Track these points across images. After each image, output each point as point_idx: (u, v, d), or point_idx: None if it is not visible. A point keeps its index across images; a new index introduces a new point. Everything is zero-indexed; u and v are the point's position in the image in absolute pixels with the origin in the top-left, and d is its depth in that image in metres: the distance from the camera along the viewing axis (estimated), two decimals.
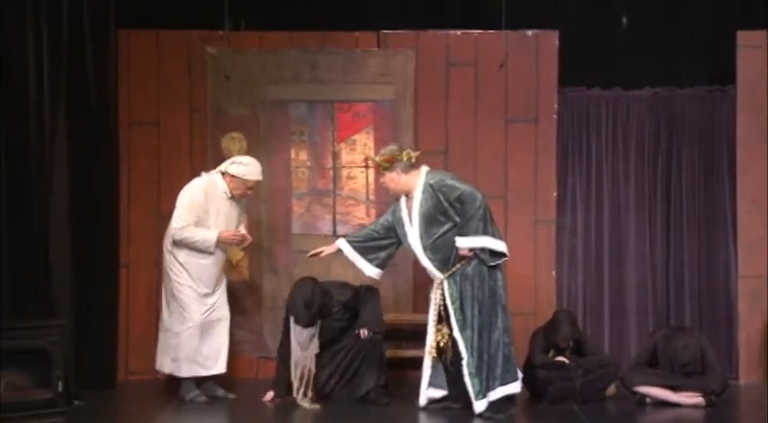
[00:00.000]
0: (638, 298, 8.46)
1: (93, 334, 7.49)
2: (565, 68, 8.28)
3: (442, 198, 6.75)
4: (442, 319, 6.81)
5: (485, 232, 6.68)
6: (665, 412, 7.00)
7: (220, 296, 7.26)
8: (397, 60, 8.25)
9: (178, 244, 7.06)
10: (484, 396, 6.66)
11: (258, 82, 8.21)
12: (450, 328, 6.75)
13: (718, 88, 8.43)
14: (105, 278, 7.65)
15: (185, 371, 7.11)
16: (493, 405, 6.68)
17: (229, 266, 8.10)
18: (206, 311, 7.15)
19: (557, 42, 8.24)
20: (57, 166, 7.18)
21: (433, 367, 6.91)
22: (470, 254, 6.70)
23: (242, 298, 8.16)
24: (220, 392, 7.24)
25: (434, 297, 6.86)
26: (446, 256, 6.76)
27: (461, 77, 8.26)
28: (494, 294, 6.73)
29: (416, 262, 8.07)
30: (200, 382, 7.20)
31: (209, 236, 7.07)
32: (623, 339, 8.42)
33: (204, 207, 7.07)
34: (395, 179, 6.91)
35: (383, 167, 6.94)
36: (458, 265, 6.74)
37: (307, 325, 6.99)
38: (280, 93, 8.23)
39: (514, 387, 6.78)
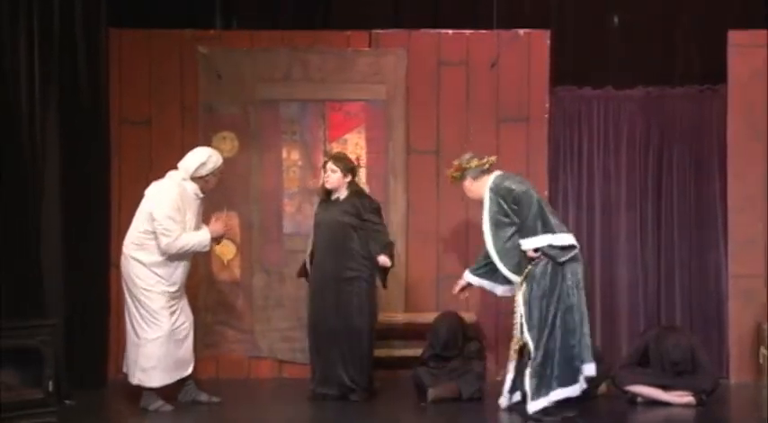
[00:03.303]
0: (629, 297, 8.48)
1: (85, 333, 7.48)
2: (556, 68, 8.30)
3: (501, 201, 6.75)
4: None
5: (545, 230, 6.64)
6: (656, 411, 7.01)
7: (184, 299, 7.06)
8: (389, 60, 8.25)
9: (171, 256, 6.86)
10: (539, 397, 6.58)
11: (249, 81, 8.20)
12: (523, 331, 6.72)
13: (710, 87, 8.45)
14: (96, 277, 7.63)
15: (156, 380, 6.84)
16: (548, 408, 6.58)
17: (221, 266, 8.12)
18: (176, 317, 6.92)
19: (548, 42, 8.25)
20: (48, 164, 7.16)
21: (516, 371, 6.85)
22: (537, 254, 6.67)
23: (233, 297, 8.15)
24: (203, 397, 7.08)
25: (516, 301, 6.82)
26: (517, 260, 6.75)
27: (453, 77, 8.26)
28: (561, 293, 6.64)
29: (408, 262, 8.14)
30: (179, 386, 7.03)
31: (202, 237, 6.96)
32: (614, 339, 8.42)
33: (183, 213, 6.91)
34: (468, 187, 6.96)
35: (455, 178, 6.99)
36: (529, 267, 6.71)
37: None
38: (271, 92, 8.22)
39: (572, 390, 6.65)
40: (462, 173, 6.94)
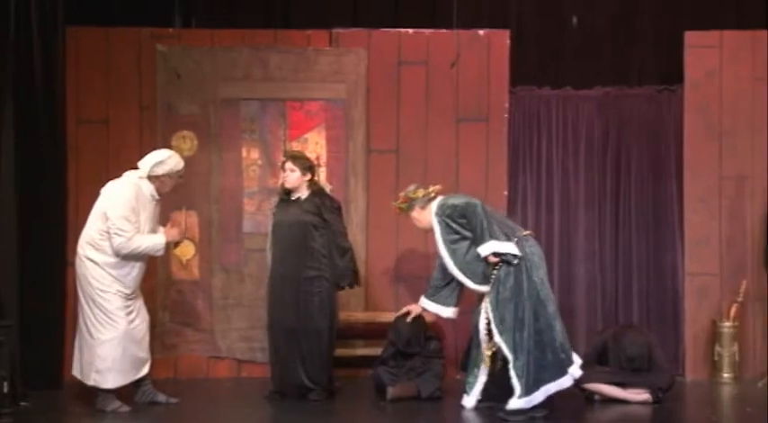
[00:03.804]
0: (587, 296, 8.55)
1: (40, 334, 7.41)
2: (516, 68, 8.34)
3: (448, 221, 6.82)
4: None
5: (490, 236, 6.71)
6: (613, 409, 7.06)
7: (140, 299, 6.99)
8: (349, 59, 8.25)
9: (125, 256, 6.79)
10: (530, 393, 6.60)
11: (209, 80, 8.17)
12: (493, 335, 6.74)
13: (667, 88, 8.52)
14: (52, 278, 7.57)
15: (111, 382, 6.76)
16: (522, 409, 6.59)
17: (179, 265, 8.09)
18: (132, 317, 6.85)
19: (508, 42, 8.28)
20: (3, 164, 7.09)
21: (489, 376, 6.90)
22: (496, 259, 6.72)
23: (192, 297, 8.12)
24: (161, 398, 7.02)
25: (483, 309, 6.83)
26: (481, 270, 6.79)
27: (413, 76, 8.28)
28: (530, 289, 6.68)
29: (368, 261, 8.16)
30: (136, 387, 6.97)
31: (156, 240, 6.88)
32: (573, 337, 8.38)
33: (137, 213, 6.84)
34: (417, 217, 7.04)
35: (402, 209, 7.07)
36: (494, 273, 6.75)
37: None
38: (231, 91, 8.20)
39: (564, 381, 6.72)
40: (410, 203, 7.03)
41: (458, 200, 6.88)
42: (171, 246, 7.13)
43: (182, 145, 8.06)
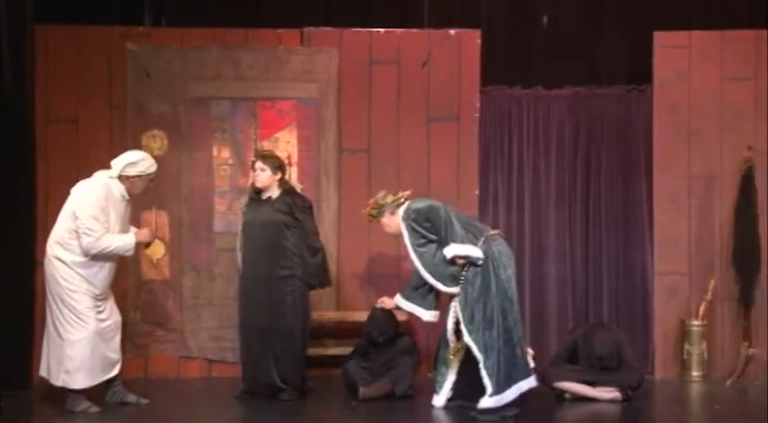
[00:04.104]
0: (557, 295, 8.58)
1: (8, 334, 7.35)
2: (487, 67, 8.36)
3: (414, 225, 6.83)
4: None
5: (452, 240, 6.73)
6: (583, 407, 7.09)
7: (111, 299, 6.96)
8: (321, 58, 8.24)
9: (95, 256, 6.74)
10: (501, 392, 6.61)
11: (179, 79, 8.14)
12: (462, 335, 6.75)
13: (636, 88, 8.56)
14: (21, 278, 7.51)
15: (80, 382, 6.71)
16: (492, 407, 6.60)
17: (150, 265, 8.05)
18: (102, 317, 6.80)
19: (479, 41, 8.30)
20: None
21: (458, 375, 6.90)
22: (462, 260, 6.74)
23: (162, 297, 8.10)
24: (132, 398, 6.99)
25: (452, 308, 6.84)
26: (449, 272, 6.79)
27: (384, 76, 8.28)
28: (498, 288, 6.69)
29: (340, 261, 8.15)
30: (106, 387, 6.93)
31: (126, 240, 6.83)
32: (543, 336, 8.51)
33: (107, 213, 6.79)
34: (387, 223, 7.05)
35: (372, 215, 7.07)
36: (463, 273, 6.77)
37: None
38: (201, 90, 8.17)
39: (532, 381, 6.75)
40: (379, 209, 7.04)
41: (421, 204, 6.90)
42: (141, 246, 7.09)
43: (152, 144, 8.03)
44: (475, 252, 6.71)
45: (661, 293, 8.24)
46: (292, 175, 8.01)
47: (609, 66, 8.69)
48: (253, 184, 7.32)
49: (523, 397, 6.74)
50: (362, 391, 7.16)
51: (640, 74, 8.46)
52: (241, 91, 8.19)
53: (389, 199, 7.04)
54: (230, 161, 8.20)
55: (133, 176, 6.87)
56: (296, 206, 7.22)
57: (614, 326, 8.08)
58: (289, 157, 8.01)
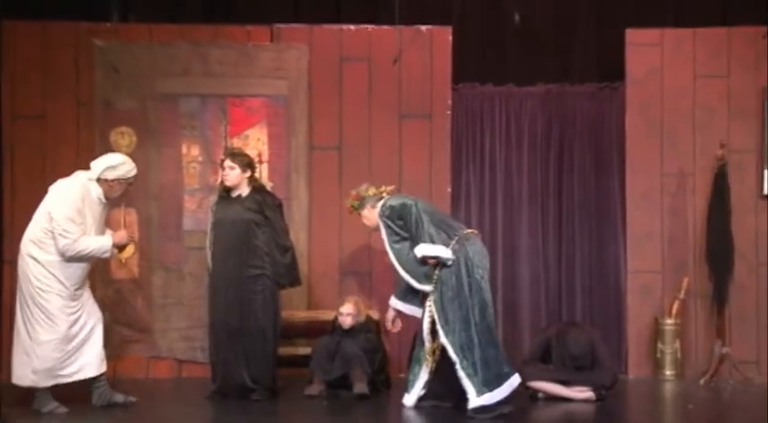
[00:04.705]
0: (531, 292, 8.56)
1: None
2: (458, 64, 8.33)
3: (389, 222, 6.79)
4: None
5: (422, 240, 6.69)
6: (557, 407, 7.05)
7: (89, 296, 6.85)
8: (291, 55, 8.18)
9: (71, 258, 6.62)
10: (486, 392, 6.54)
11: (148, 75, 8.05)
12: (438, 336, 6.68)
13: (608, 85, 8.56)
14: None
15: (46, 382, 6.63)
16: (486, 406, 6.53)
17: (118, 264, 7.95)
18: (73, 318, 6.69)
19: (450, 38, 8.26)
20: None
21: (432, 375, 6.83)
22: (433, 260, 6.69)
23: (131, 296, 8.01)
24: (119, 398, 6.88)
25: (427, 308, 6.77)
26: (422, 270, 6.73)
27: (355, 72, 8.22)
28: (472, 288, 6.63)
29: (311, 259, 8.09)
30: (92, 389, 6.83)
31: (103, 242, 6.73)
32: (516, 334, 8.49)
33: (83, 215, 6.68)
34: (367, 216, 6.99)
35: (354, 207, 7.01)
36: (436, 272, 6.71)
37: None
38: (170, 86, 8.09)
39: (509, 385, 6.64)
40: (361, 202, 7.00)
41: (395, 201, 6.85)
42: (117, 249, 6.98)
43: (120, 141, 7.93)
44: (444, 252, 6.65)
45: (634, 292, 8.23)
46: (262, 173, 7.93)
47: (581, 63, 8.69)
48: (222, 182, 7.23)
49: (514, 394, 6.67)
50: (307, 389, 7.24)
51: (613, 71, 8.46)
52: (210, 88, 8.12)
53: (371, 192, 6.99)
54: (200, 158, 8.12)
55: (112, 180, 6.78)
56: (266, 204, 7.15)
57: (588, 325, 8.06)
58: (259, 155, 7.93)
